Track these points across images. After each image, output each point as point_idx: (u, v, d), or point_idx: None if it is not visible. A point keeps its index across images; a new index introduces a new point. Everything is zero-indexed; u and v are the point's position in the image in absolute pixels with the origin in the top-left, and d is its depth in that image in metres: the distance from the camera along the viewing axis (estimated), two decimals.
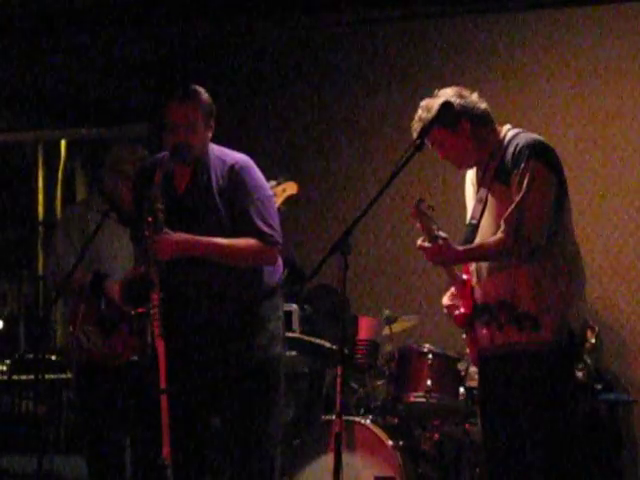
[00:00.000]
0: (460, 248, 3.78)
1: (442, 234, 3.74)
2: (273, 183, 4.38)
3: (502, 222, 3.73)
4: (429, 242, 3.75)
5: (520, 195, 3.71)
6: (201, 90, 4.08)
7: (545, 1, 6.59)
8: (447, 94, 3.88)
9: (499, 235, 3.74)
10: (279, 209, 4.27)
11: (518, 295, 3.76)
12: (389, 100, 6.94)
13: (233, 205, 4.01)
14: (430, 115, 3.82)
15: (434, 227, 3.75)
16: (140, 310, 4.30)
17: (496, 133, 3.91)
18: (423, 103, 3.90)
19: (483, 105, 3.90)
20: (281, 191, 4.39)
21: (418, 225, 3.78)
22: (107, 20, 7.11)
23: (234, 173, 4.02)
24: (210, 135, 4.10)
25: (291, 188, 4.43)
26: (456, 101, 3.84)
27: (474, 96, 3.91)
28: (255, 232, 3.97)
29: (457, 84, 4.00)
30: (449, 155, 3.92)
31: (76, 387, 4.93)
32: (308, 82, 7.15)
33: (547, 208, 3.73)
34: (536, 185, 3.71)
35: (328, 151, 7.01)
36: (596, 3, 6.50)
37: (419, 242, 3.78)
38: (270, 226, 4.01)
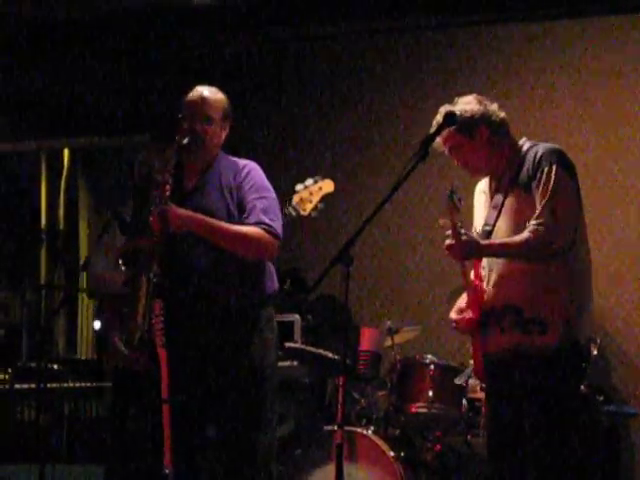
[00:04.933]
0: (483, 242, 3.81)
1: (463, 230, 3.77)
2: (310, 181, 4.43)
3: (530, 223, 3.75)
4: (453, 238, 3.76)
5: (547, 198, 3.74)
6: (220, 91, 4.20)
7: (555, 12, 6.62)
8: (467, 101, 3.93)
9: (526, 234, 3.76)
10: (316, 207, 4.33)
11: (529, 299, 3.78)
12: (394, 111, 6.95)
13: (241, 202, 4.08)
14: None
15: (459, 223, 3.77)
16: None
17: (513, 143, 3.95)
18: (442, 109, 3.93)
19: (502, 114, 3.96)
20: (318, 189, 4.44)
21: (445, 221, 3.78)
22: (111, 30, 7.13)
23: (245, 172, 4.14)
24: (224, 137, 4.20)
25: (328, 186, 4.49)
26: (475, 108, 3.90)
27: (494, 105, 3.96)
28: (258, 222, 4.04)
29: (472, 92, 4.04)
30: (466, 161, 3.95)
31: (113, 393, 4.91)
32: (318, 90, 7.16)
33: (572, 211, 3.79)
34: (562, 189, 3.76)
35: (330, 162, 7.02)
36: (608, 13, 6.53)
37: (447, 242, 3.80)
38: (273, 220, 4.07)
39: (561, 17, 6.65)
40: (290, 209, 4.42)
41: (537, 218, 3.74)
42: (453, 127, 3.84)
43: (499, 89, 6.54)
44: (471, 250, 3.80)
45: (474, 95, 3.99)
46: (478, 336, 3.95)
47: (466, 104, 3.92)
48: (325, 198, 4.50)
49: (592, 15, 6.58)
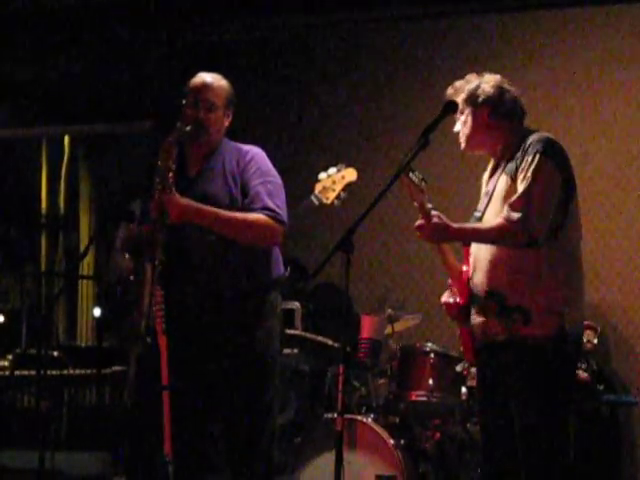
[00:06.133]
0: (454, 225, 3.76)
1: (435, 211, 3.74)
2: (333, 170, 4.40)
3: (505, 209, 3.72)
4: (423, 218, 3.74)
5: (524, 185, 3.71)
6: (224, 78, 4.19)
7: (555, 1, 6.61)
8: (487, 80, 3.92)
9: (499, 221, 3.72)
10: (339, 196, 4.31)
11: (512, 287, 3.74)
12: (395, 100, 6.95)
13: (245, 187, 4.07)
14: (461, 91, 3.89)
15: (428, 205, 3.73)
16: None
17: (518, 132, 3.91)
18: (469, 76, 3.95)
19: (513, 104, 3.91)
20: (340, 178, 4.40)
21: (411, 199, 3.73)
22: (111, 17, 7.12)
23: (249, 157, 4.14)
24: (227, 124, 4.20)
25: (350, 175, 4.45)
26: (487, 89, 3.88)
27: (510, 93, 3.92)
28: (263, 207, 4.03)
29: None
30: (462, 130, 3.94)
31: (136, 378, 4.89)
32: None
33: (549, 202, 3.72)
34: (540, 178, 3.71)
35: (333, 149, 7.00)
36: (606, 3, 6.52)
37: (417, 222, 3.76)
38: (278, 206, 4.06)
39: (563, 5, 6.64)
40: (312, 198, 4.38)
41: (512, 205, 3.71)
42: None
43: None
44: (441, 233, 3.75)
45: (498, 78, 3.95)
46: (464, 323, 3.94)
47: (485, 82, 3.92)
48: (348, 187, 4.47)
49: (593, 4, 6.57)
